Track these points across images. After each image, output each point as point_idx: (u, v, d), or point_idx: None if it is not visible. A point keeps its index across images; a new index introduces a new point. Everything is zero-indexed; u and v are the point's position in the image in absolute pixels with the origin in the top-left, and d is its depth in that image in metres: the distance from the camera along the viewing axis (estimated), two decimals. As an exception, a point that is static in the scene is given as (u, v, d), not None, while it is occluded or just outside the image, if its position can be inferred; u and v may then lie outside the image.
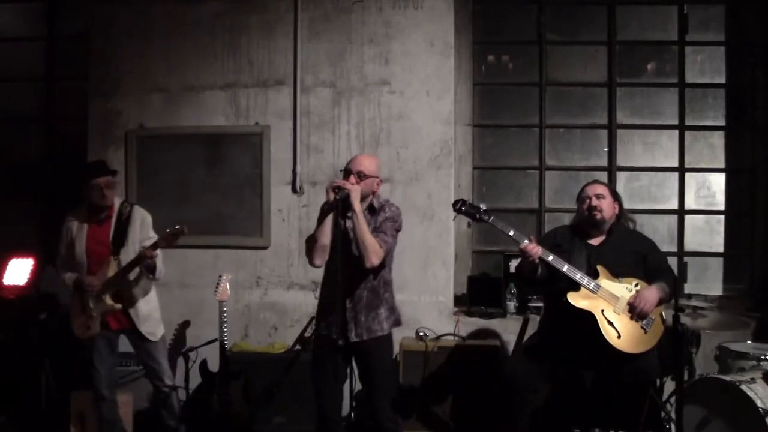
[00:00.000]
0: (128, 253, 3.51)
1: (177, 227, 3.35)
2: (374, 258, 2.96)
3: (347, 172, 3.07)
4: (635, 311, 3.21)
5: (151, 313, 3.64)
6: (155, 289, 3.71)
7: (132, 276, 3.53)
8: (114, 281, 3.49)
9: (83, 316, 3.55)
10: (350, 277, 3.00)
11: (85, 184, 3.53)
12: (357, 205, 2.93)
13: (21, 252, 4.64)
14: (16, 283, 4.54)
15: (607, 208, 3.39)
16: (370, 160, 3.18)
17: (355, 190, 2.94)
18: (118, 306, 3.52)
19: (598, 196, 3.39)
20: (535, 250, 3.19)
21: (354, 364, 3.20)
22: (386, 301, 3.16)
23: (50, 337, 4.43)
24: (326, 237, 2.98)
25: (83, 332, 3.57)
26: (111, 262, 3.49)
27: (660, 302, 3.26)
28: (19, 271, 4.57)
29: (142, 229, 3.59)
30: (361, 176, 3.05)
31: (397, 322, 3.22)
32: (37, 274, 4.59)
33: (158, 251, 3.43)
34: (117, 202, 3.63)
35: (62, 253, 3.65)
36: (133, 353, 3.80)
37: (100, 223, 3.58)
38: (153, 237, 3.56)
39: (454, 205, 3.30)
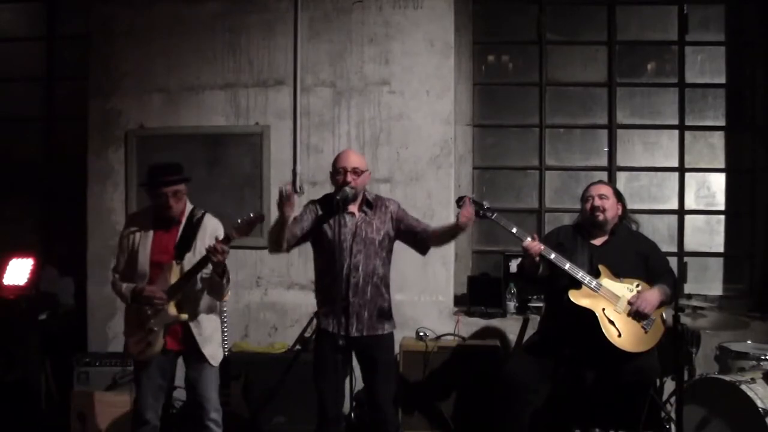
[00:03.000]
0: (193, 262, 3.07)
1: (252, 214, 2.93)
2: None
3: (341, 171, 3.06)
4: (635, 311, 3.22)
5: (214, 334, 3.23)
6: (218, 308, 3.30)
7: (197, 287, 3.12)
8: (177, 288, 3.05)
9: (141, 332, 3.09)
10: (356, 272, 3.02)
11: (152, 189, 3.13)
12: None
13: (21, 252, 4.64)
14: (16, 283, 4.54)
15: (610, 208, 3.40)
16: (357, 155, 3.21)
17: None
18: (184, 316, 3.07)
19: (602, 197, 3.40)
20: (537, 247, 3.21)
21: (355, 361, 3.19)
22: (387, 300, 3.17)
23: (50, 337, 4.43)
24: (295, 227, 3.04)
25: (143, 350, 3.10)
26: (173, 267, 3.06)
27: (661, 304, 3.27)
28: (19, 271, 4.58)
29: (211, 239, 3.09)
30: (358, 173, 3.06)
31: (394, 325, 3.23)
32: (37, 274, 4.59)
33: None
34: (188, 208, 3.22)
35: (121, 264, 3.21)
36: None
37: (167, 229, 3.17)
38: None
39: (458, 201, 3.32)
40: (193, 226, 3.17)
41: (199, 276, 3.10)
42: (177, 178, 3.13)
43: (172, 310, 3.06)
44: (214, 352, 3.20)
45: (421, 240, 3.17)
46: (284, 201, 2.82)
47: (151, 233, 3.16)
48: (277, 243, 2.98)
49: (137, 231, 3.18)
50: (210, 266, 3.03)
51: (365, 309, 3.06)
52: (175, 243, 3.14)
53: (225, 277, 3.07)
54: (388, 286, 3.20)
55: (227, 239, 2.95)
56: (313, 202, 3.22)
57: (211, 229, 3.20)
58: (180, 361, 3.27)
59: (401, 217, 3.18)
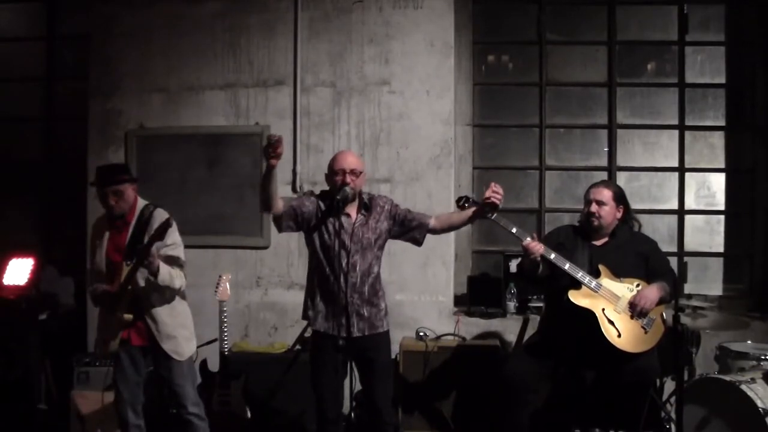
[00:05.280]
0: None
1: (162, 220, 3.03)
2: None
3: (340, 173, 3.05)
4: (636, 309, 3.22)
5: (176, 329, 3.23)
6: (185, 304, 3.34)
7: (144, 285, 3.14)
8: (123, 289, 3.10)
9: (104, 329, 3.22)
10: (354, 272, 3.02)
11: (98, 190, 3.24)
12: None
13: (21, 252, 4.64)
14: (16, 283, 4.54)
15: (606, 215, 3.40)
16: (354, 156, 3.19)
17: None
18: (128, 317, 3.11)
19: (599, 203, 3.40)
20: (537, 247, 3.21)
21: (353, 362, 3.19)
22: (382, 297, 3.17)
23: (50, 337, 4.43)
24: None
25: (105, 349, 3.23)
26: (123, 269, 3.09)
27: (660, 301, 3.27)
28: (19, 271, 4.57)
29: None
30: (356, 173, 3.06)
31: (389, 320, 3.22)
32: (37, 274, 4.59)
33: (157, 252, 3.06)
34: (141, 205, 3.27)
35: (90, 264, 3.33)
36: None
37: (119, 229, 3.23)
38: (177, 243, 3.24)
39: (458, 201, 3.34)
40: (142, 224, 3.20)
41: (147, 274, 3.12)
42: (116, 179, 3.20)
43: (118, 311, 3.12)
44: (175, 347, 3.22)
45: (419, 232, 3.20)
46: (271, 146, 2.76)
47: (107, 234, 3.26)
48: (266, 198, 2.95)
49: (98, 232, 3.29)
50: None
51: (363, 308, 3.06)
52: (126, 243, 3.19)
53: (156, 275, 3.07)
54: (381, 283, 3.19)
55: (150, 243, 3.01)
56: (312, 193, 3.22)
57: (159, 223, 3.16)
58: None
59: (395, 213, 3.18)
